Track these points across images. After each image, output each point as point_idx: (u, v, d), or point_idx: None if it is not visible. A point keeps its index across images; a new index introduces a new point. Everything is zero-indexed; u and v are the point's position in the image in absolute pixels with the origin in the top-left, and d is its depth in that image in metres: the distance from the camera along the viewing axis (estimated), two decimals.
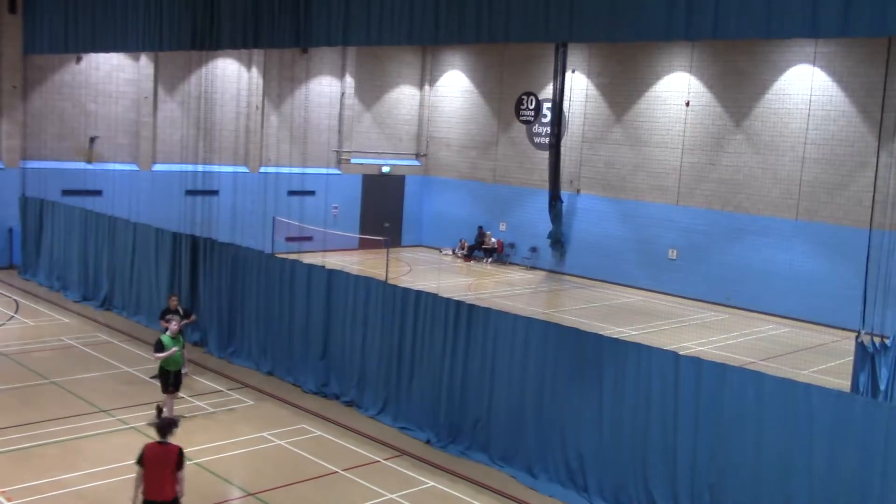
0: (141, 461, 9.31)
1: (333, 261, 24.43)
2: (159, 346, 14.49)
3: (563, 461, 12.88)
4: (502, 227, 34.82)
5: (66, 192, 27.15)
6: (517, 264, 33.90)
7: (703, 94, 28.94)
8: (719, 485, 11.34)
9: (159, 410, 14.32)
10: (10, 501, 11.37)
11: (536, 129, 33.73)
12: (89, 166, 28.38)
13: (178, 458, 9.38)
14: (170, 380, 14.55)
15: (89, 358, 18.16)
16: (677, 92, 29.50)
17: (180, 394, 15.19)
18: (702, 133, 29.06)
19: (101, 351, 18.70)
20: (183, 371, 15.14)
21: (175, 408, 14.63)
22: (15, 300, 22.93)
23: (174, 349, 14.46)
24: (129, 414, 14.89)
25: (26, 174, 26.82)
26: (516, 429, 13.45)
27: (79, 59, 27.93)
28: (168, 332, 14.67)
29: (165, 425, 9.58)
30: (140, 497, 9.32)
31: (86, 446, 13.46)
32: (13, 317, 21.29)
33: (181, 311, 17.00)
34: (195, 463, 12.98)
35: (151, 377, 16.91)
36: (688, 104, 29.18)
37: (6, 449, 13.11)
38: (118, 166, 29.19)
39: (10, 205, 26.54)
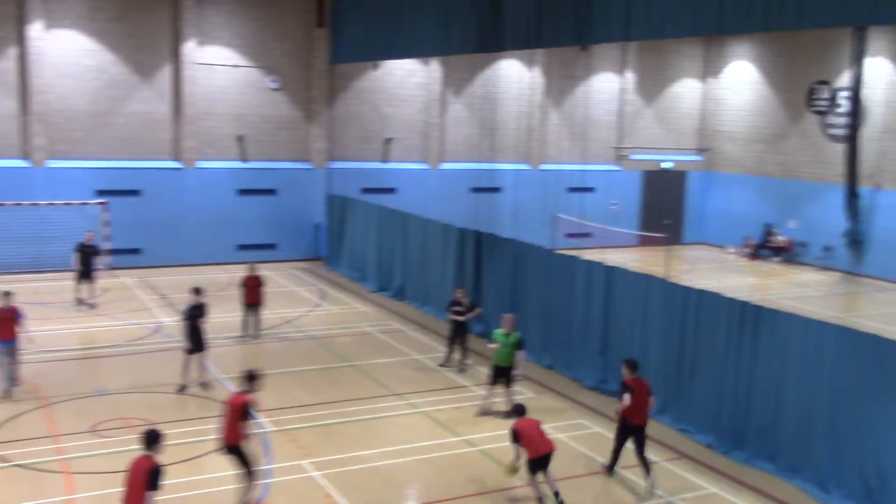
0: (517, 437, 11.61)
1: (612, 258, 24.38)
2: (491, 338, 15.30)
3: (859, 478, 12.02)
4: (792, 224, 32.83)
5: (364, 191, 29.44)
6: (808, 264, 31.81)
7: None
8: None
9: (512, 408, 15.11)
10: (321, 471, 12.59)
11: (830, 119, 31.39)
12: (385, 166, 30.49)
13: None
14: (496, 374, 14.99)
15: (384, 344, 19.60)
16: None
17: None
18: None
19: (395, 338, 20.11)
20: (514, 372, 15.07)
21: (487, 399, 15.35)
22: (321, 289, 25.23)
23: (496, 345, 14.99)
24: (419, 399, 15.93)
25: (331, 174, 29.37)
26: (806, 439, 12.75)
27: (376, 67, 30.09)
28: (502, 325, 15.18)
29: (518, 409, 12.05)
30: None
31: (380, 426, 14.59)
32: (319, 304, 23.44)
33: (466, 304, 17.83)
34: (479, 450, 13.62)
35: (439, 365, 17.95)
36: None
37: (315, 423, 14.55)
38: (410, 165, 31.10)
39: (317, 202, 29.21)
